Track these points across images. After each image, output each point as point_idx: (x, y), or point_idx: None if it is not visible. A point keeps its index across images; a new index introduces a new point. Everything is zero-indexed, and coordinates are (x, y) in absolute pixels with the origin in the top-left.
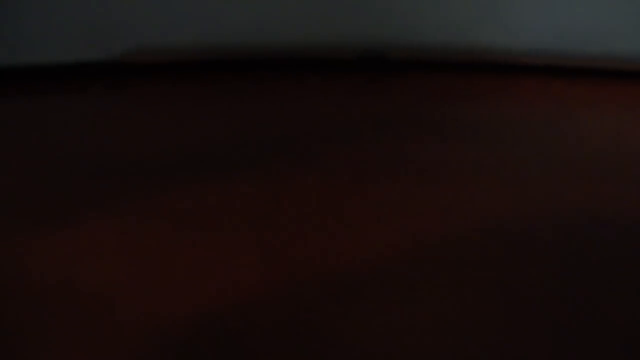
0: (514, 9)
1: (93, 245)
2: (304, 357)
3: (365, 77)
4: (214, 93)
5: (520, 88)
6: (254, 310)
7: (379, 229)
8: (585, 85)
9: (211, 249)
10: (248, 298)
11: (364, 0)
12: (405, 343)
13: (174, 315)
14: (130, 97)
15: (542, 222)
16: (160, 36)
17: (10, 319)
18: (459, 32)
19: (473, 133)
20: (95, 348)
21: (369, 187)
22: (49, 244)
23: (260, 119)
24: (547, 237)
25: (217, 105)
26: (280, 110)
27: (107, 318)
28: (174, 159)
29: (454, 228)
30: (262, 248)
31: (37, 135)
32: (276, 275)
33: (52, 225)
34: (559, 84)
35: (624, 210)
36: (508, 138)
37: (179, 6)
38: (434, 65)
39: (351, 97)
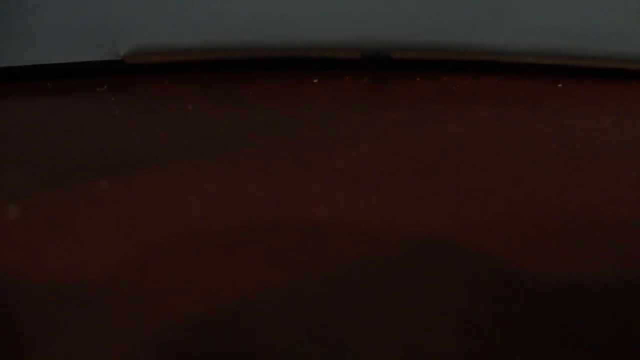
0: (514, 8)
1: (95, 244)
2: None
3: (367, 77)
4: (215, 92)
5: (520, 88)
6: (258, 306)
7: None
8: (585, 85)
9: (213, 248)
10: (252, 296)
11: (364, 0)
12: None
13: (177, 313)
14: (132, 97)
15: (541, 221)
16: (162, 36)
17: (14, 316)
18: (460, 32)
19: (472, 132)
20: (99, 346)
21: (374, 191)
22: (50, 243)
23: (260, 119)
24: (547, 234)
25: (218, 105)
26: (281, 110)
27: (110, 315)
28: (175, 158)
29: (456, 221)
30: (267, 245)
31: (38, 135)
32: (279, 275)
33: (53, 225)
34: (558, 84)
35: (623, 209)
36: (507, 137)
37: (181, 6)
38: (434, 65)
39: (352, 97)
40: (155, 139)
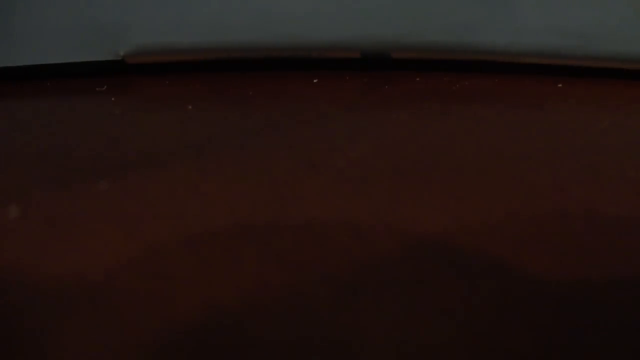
0: (514, 9)
1: (95, 244)
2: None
3: (367, 77)
4: (215, 92)
5: (520, 88)
6: (258, 306)
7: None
8: (585, 85)
9: (213, 248)
10: (252, 295)
11: (364, 0)
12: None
13: (177, 313)
14: (132, 97)
15: (540, 221)
16: (162, 36)
17: (14, 316)
18: (460, 32)
19: (472, 132)
20: (99, 346)
21: (374, 190)
22: (50, 243)
23: (260, 119)
24: (546, 234)
25: (218, 105)
26: (281, 110)
27: (110, 315)
28: (175, 158)
29: (455, 221)
30: (267, 245)
31: (38, 135)
32: (279, 274)
33: (53, 225)
34: (558, 84)
35: (623, 209)
36: (507, 137)
37: (181, 6)
38: (434, 65)
39: (352, 97)
40: (155, 139)
